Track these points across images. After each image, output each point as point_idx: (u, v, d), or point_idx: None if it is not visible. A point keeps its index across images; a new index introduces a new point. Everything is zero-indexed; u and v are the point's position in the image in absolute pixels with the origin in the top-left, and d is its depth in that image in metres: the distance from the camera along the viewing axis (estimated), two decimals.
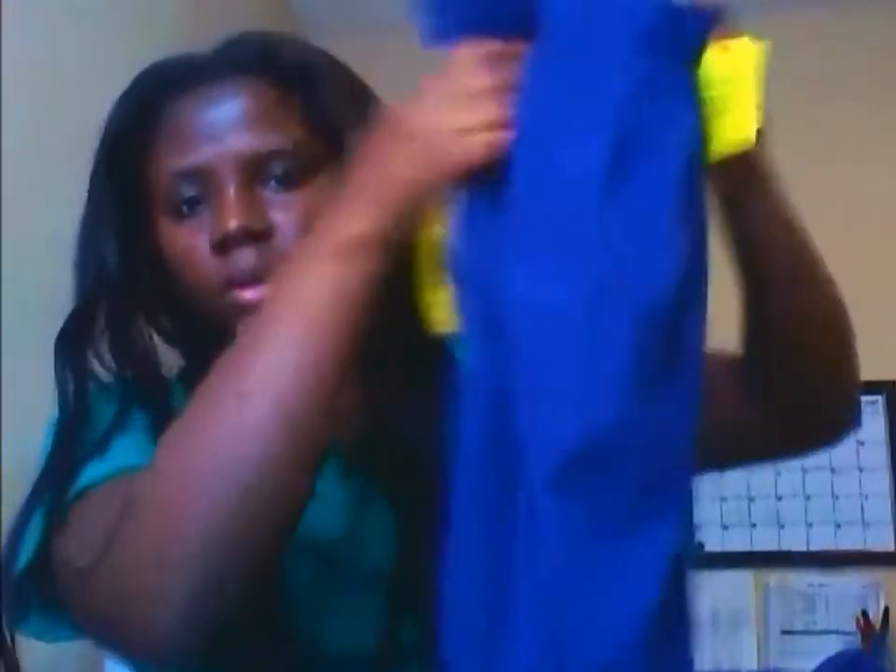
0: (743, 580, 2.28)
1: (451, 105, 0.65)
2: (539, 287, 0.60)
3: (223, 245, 0.78)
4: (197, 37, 0.91)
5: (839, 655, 2.13)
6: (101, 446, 0.77)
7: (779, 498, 2.29)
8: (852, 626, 2.19)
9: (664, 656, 0.59)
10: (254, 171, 0.80)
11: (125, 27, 1.38)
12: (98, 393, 0.83)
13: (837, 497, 2.29)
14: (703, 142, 0.63)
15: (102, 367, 0.83)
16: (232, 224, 0.78)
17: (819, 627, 2.25)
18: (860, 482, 2.29)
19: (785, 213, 0.75)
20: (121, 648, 0.68)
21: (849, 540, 2.25)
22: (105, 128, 0.85)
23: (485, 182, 0.65)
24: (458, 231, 0.66)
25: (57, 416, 0.80)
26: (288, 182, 0.80)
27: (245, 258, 0.78)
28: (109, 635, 0.68)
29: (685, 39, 0.62)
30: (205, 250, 0.80)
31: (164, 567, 0.63)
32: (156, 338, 0.89)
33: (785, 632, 2.25)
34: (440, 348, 0.76)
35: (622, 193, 0.60)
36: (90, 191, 0.85)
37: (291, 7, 2.37)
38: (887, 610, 2.17)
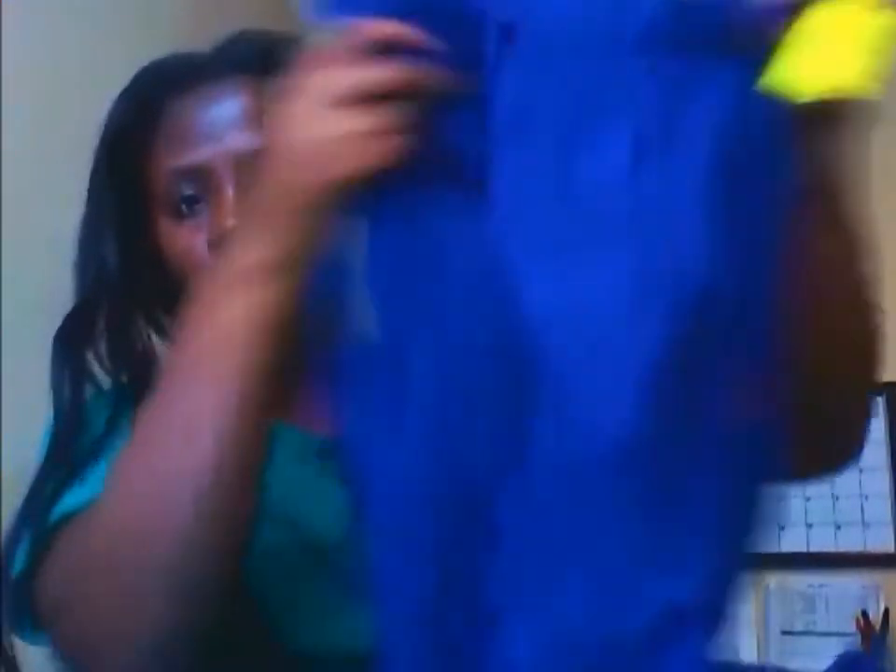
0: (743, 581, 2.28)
1: (324, 112, 0.61)
2: (565, 286, 0.58)
3: (221, 245, 0.78)
4: (197, 37, 0.91)
5: (841, 657, 2.13)
6: (87, 462, 0.76)
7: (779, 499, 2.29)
8: (852, 627, 2.19)
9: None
10: (252, 169, 0.80)
11: (125, 27, 1.38)
12: (95, 397, 0.83)
13: (837, 498, 2.28)
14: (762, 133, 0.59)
15: (101, 367, 0.83)
16: (231, 223, 0.78)
17: (819, 628, 2.24)
18: (860, 482, 2.28)
19: (850, 230, 0.65)
20: None
21: (849, 541, 2.25)
22: (105, 127, 0.85)
23: (393, 189, 0.61)
24: (372, 242, 0.63)
25: (52, 421, 0.79)
26: None
27: None
28: (81, 668, 0.68)
29: (704, 30, 0.59)
30: (204, 250, 0.80)
31: (122, 624, 0.63)
32: (155, 338, 0.89)
33: (785, 632, 2.25)
34: None
35: (647, 188, 0.58)
36: (89, 191, 0.85)
37: (291, 7, 2.37)
38: (887, 611, 2.17)
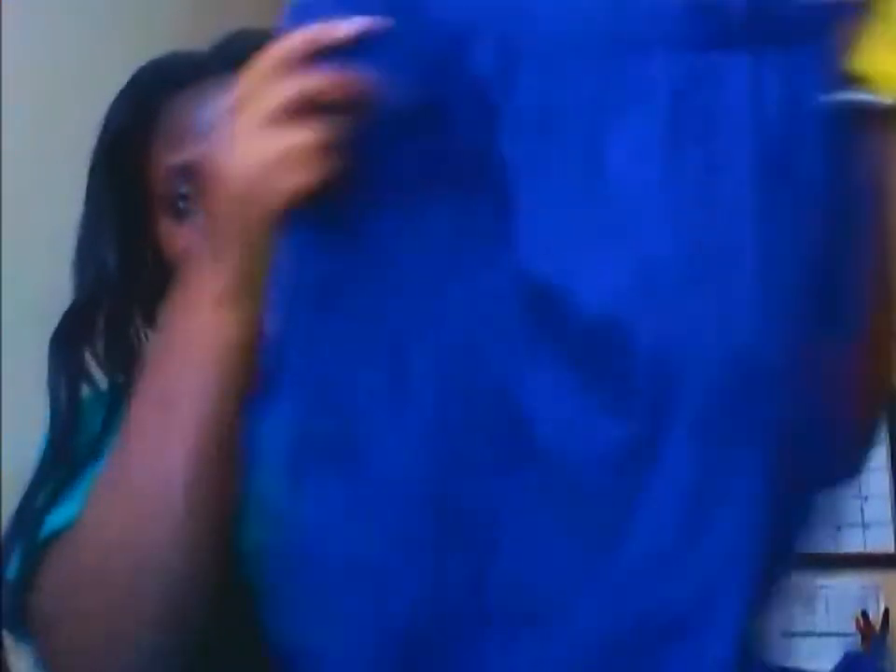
0: None
1: (260, 131, 0.60)
2: (609, 274, 0.58)
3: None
4: (197, 37, 0.91)
5: (843, 661, 2.13)
6: (84, 464, 0.76)
7: None
8: (852, 628, 2.19)
9: None
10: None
11: (125, 27, 1.38)
12: (92, 397, 0.82)
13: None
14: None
15: (98, 367, 0.82)
16: None
17: (819, 629, 2.24)
18: (859, 483, 2.28)
19: None
20: None
21: (849, 542, 2.25)
22: (104, 126, 0.85)
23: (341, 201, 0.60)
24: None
25: (49, 422, 0.79)
26: None
27: None
28: None
29: (738, 26, 0.59)
30: None
31: (112, 639, 0.63)
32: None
33: (784, 633, 2.25)
34: None
35: (683, 182, 0.58)
36: (88, 190, 0.85)
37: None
38: (887, 612, 2.17)
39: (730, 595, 0.58)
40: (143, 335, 0.86)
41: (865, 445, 0.71)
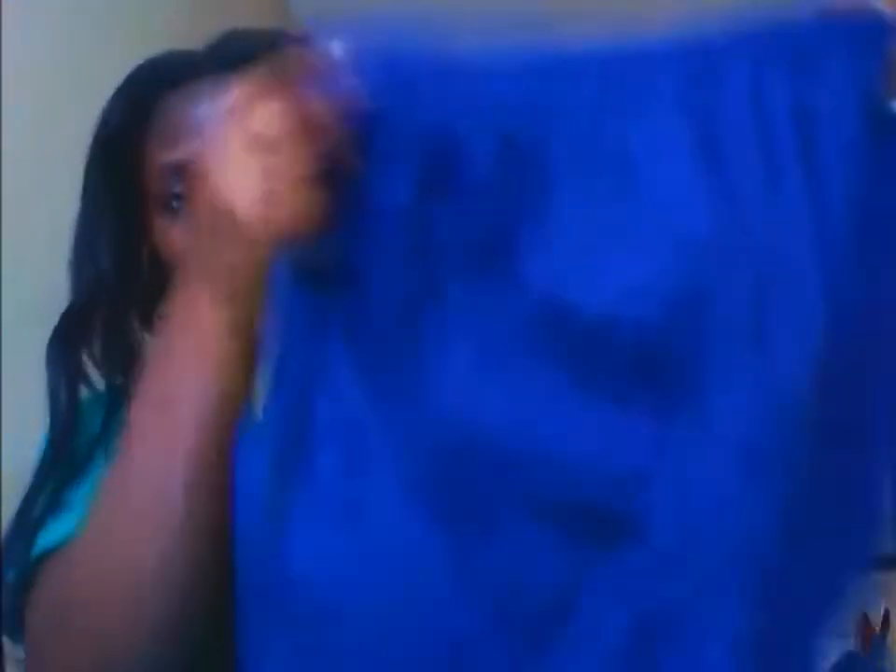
0: None
1: (248, 158, 0.59)
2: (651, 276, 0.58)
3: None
4: (196, 38, 0.91)
5: (842, 659, 2.13)
6: (83, 466, 0.76)
7: None
8: (852, 628, 2.18)
9: None
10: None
11: (125, 27, 1.38)
12: (91, 398, 0.82)
13: None
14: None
15: (96, 368, 0.82)
16: None
17: None
18: None
19: None
20: None
21: None
22: (100, 125, 0.84)
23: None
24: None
25: (48, 423, 0.79)
26: None
27: None
28: None
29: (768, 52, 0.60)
30: None
31: (103, 655, 0.63)
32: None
33: None
34: None
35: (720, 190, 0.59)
36: (85, 190, 0.84)
37: (291, 7, 2.36)
38: (887, 612, 2.17)
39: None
40: (140, 336, 0.86)
41: None
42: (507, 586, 0.58)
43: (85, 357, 0.83)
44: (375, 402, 0.60)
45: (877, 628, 2.16)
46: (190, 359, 0.63)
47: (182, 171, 0.81)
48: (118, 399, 0.81)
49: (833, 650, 2.18)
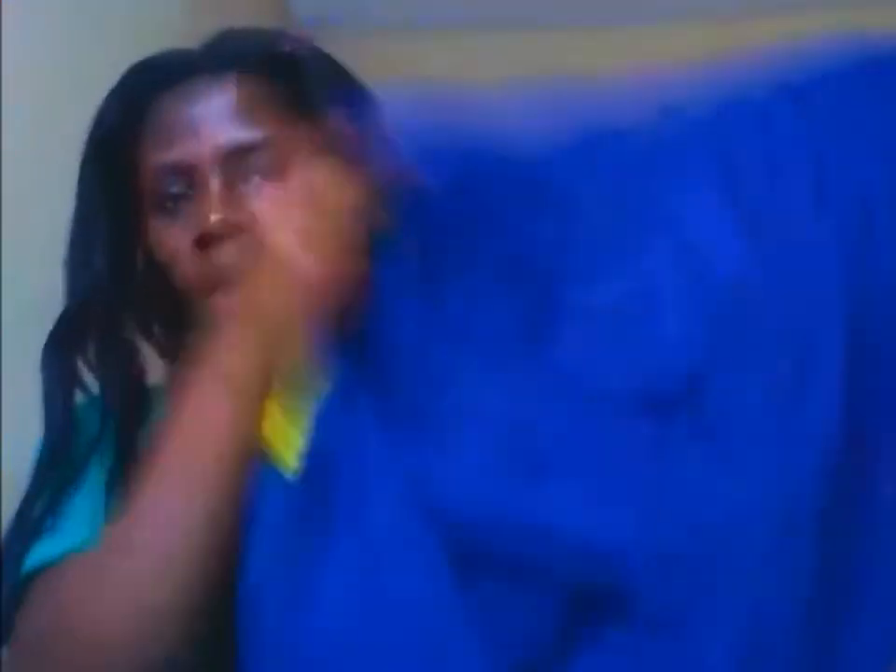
0: None
1: (310, 239, 0.64)
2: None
3: (205, 241, 0.77)
4: (197, 38, 0.91)
5: None
6: (78, 474, 0.76)
7: None
8: None
9: None
10: (237, 164, 0.79)
11: (125, 27, 1.38)
12: (86, 403, 0.82)
13: None
14: None
15: (90, 372, 0.82)
16: (214, 218, 0.77)
17: None
18: None
19: None
20: None
21: None
22: (94, 125, 0.84)
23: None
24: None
25: (44, 428, 0.79)
26: (273, 175, 0.79)
27: (227, 253, 0.77)
28: None
29: None
30: (190, 247, 0.79)
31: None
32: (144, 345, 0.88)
33: None
34: None
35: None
36: (79, 191, 0.84)
37: (291, 7, 2.37)
38: None
39: None
40: (134, 339, 0.85)
41: None
42: (515, 645, 0.61)
43: (80, 362, 0.82)
44: (402, 475, 0.62)
45: None
46: (220, 403, 0.63)
47: (178, 171, 0.81)
48: (110, 410, 0.81)
49: None
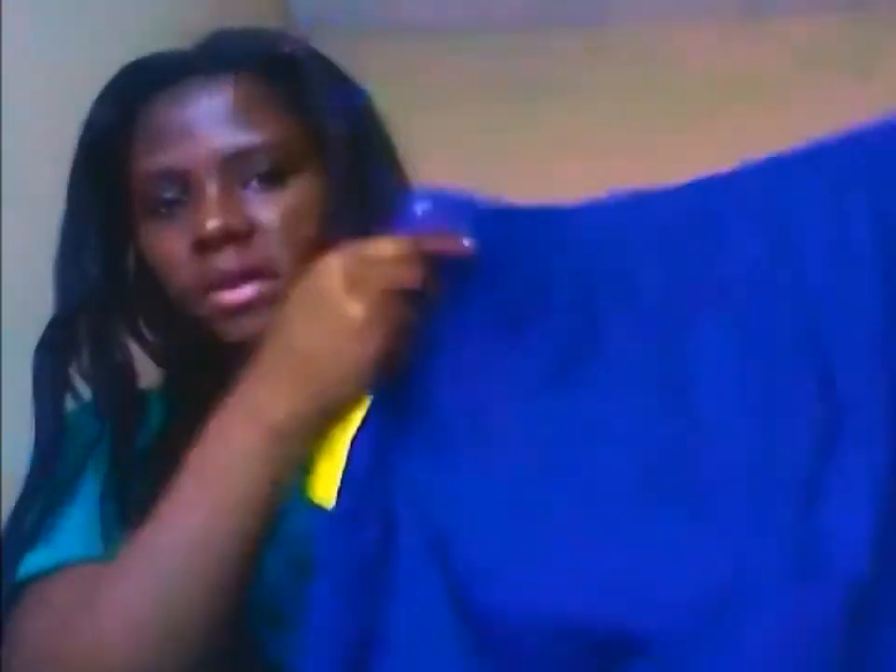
0: None
1: (349, 297, 0.63)
2: None
3: (203, 247, 0.76)
4: (197, 38, 0.91)
5: None
6: (70, 482, 0.76)
7: None
8: None
9: None
10: (234, 169, 0.78)
11: (125, 27, 1.38)
12: (78, 409, 0.81)
13: None
14: None
15: (82, 378, 0.81)
16: (211, 224, 0.76)
17: None
18: None
19: None
20: None
21: None
22: (84, 128, 0.83)
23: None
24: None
25: (35, 434, 0.78)
26: (271, 179, 0.78)
27: (226, 259, 0.76)
28: None
29: None
30: (186, 252, 0.78)
31: None
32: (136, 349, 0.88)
33: None
34: None
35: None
36: (69, 194, 0.82)
37: (291, 7, 2.36)
38: None
39: None
40: (125, 343, 0.84)
41: None
42: None
43: (72, 368, 0.81)
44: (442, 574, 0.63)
45: None
46: (246, 437, 0.63)
47: (172, 176, 0.79)
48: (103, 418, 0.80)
49: None
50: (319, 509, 0.65)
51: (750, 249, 0.63)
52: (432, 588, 0.61)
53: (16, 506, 0.76)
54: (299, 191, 0.81)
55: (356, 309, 0.61)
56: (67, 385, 0.81)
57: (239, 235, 0.78)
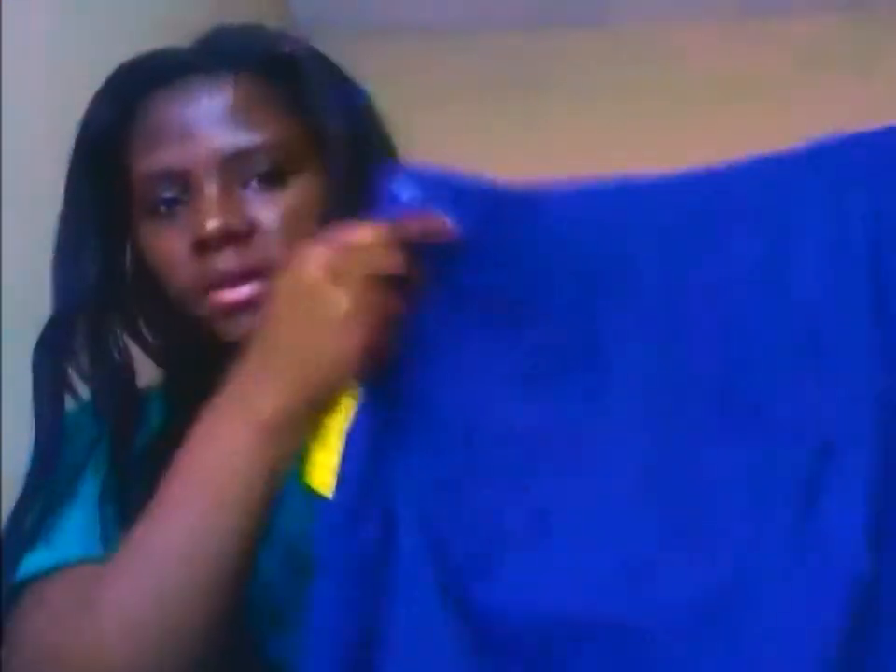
0: None
1: (330, 287, 0.62)
2: None
3: (203, 247, 0.76)
4: (196, 35, 0.91)
5: None
6: (69, 483, 0.76)
7: None
8: None
9: None
10: (234, 169, 0.78)
11: (125, 26, 1.38)
12: (77, 409, 0.81)
13: None
14: None
15: (80, 378, 0.81)
16: (211, 225, 0.76)
17: None
18: None
19: None
20: None
21: None
22: (82, 127, 0.82)
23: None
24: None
25: (34, 436, 0.78)
26: (271, 179, 0.78)
27: (225, 259, 0.76)
28: None
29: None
30: (186, 252, 0.78)
31: None
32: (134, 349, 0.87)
33: None
34: None
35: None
36: (67, 194, 0.82)
37: (291, 7, 2.36)
38: None
39: None
40: (122, 343, 0.84)
41: None
42: None
43: (70, 369, 0.81)
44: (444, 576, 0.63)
45: None
46: (235, 430, 0.63)
47: (170, 176, 0.79)
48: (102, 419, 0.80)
49: None
50: (318, 496, 0.65)
51: (750, 249, 0.63)
52: (432, 588, 0.61)
53: (16, 506, 0.76)
54: (299, 191, 0.80)
55: (339, 298, 0.61)
56: (66, 386, 0.81)
57: (239, 235, 0.78)
